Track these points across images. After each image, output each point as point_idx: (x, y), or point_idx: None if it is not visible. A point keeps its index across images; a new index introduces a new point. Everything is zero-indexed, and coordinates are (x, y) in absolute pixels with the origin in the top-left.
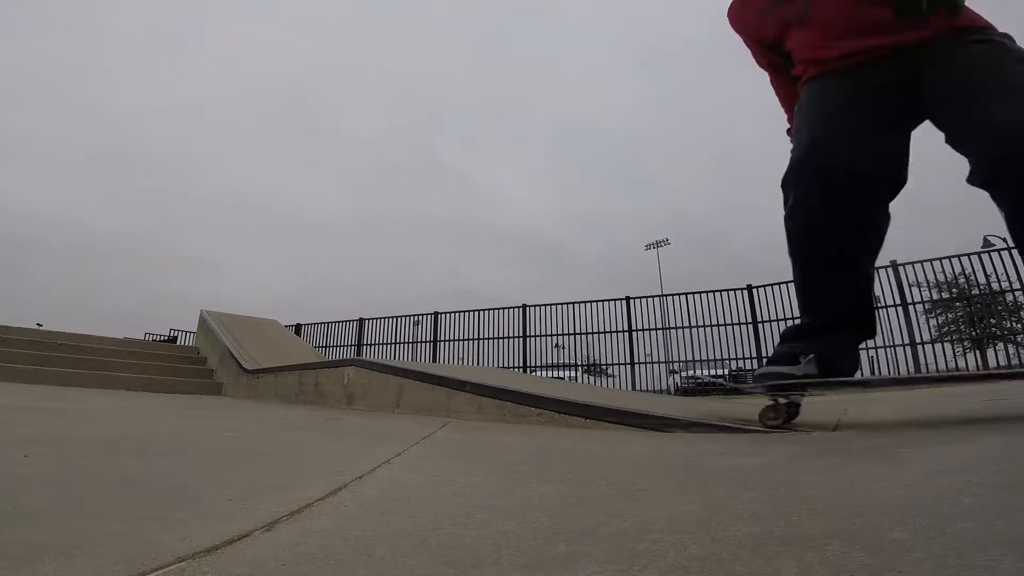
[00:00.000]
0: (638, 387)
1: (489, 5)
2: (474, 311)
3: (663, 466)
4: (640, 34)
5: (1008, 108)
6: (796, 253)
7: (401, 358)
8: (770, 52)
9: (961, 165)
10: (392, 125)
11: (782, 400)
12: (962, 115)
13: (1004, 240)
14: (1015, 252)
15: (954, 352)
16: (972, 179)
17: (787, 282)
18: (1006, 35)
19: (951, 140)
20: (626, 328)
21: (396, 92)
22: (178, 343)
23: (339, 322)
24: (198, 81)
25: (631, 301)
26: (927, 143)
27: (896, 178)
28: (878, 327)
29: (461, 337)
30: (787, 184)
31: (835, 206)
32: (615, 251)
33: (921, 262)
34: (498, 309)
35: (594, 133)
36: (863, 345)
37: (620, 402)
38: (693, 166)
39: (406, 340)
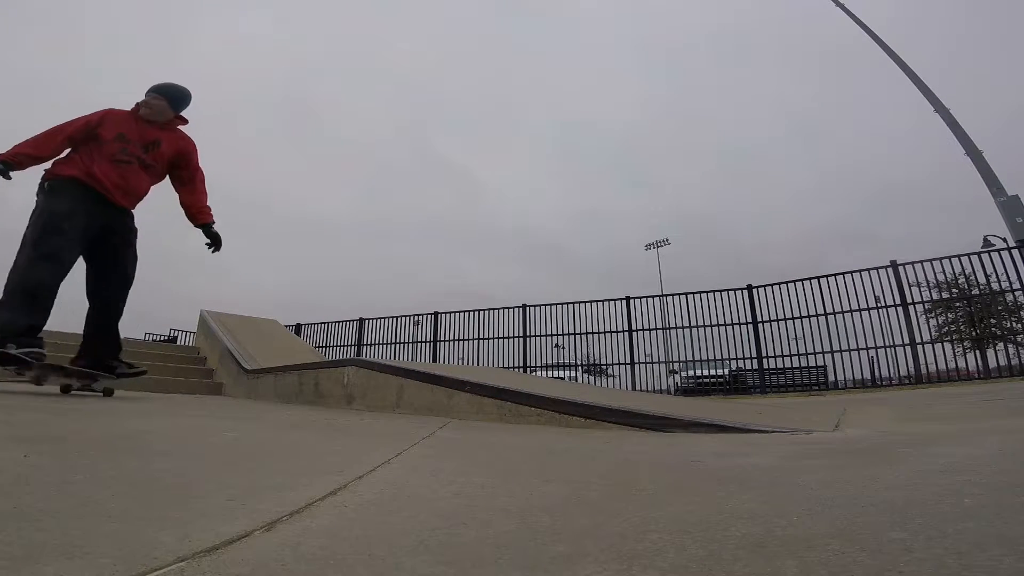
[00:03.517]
0: (638, 387)
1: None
2: (474, 311)
3: (663, 466)
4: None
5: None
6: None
7: (401, 358)
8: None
9: (963, 167)
10: (393, 124)
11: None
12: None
13: (1004, 240)
14: (1015, 252)
15: (954, 352)
16: None
17: (787, 282)
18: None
19: None
20: (626, 328)
21: (397, 91)
22: (178, 343)
23: (339, 322)
24: (198, 80)
25: (631, 301)
26: (929, 143)
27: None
28: (879, 327)
29: (461, 337)
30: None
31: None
32: (616, 251)
33: (921, 262)
34: (498, 309)
35: (596, 132)
36: (864, 346)
37: (620, 402)
38: (694, 166)
39: (406, 340)
